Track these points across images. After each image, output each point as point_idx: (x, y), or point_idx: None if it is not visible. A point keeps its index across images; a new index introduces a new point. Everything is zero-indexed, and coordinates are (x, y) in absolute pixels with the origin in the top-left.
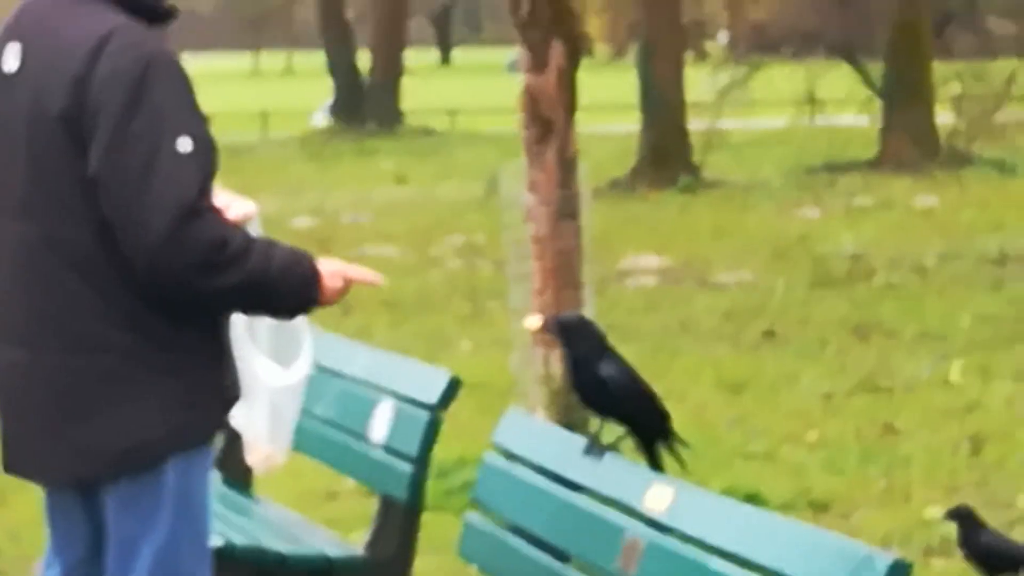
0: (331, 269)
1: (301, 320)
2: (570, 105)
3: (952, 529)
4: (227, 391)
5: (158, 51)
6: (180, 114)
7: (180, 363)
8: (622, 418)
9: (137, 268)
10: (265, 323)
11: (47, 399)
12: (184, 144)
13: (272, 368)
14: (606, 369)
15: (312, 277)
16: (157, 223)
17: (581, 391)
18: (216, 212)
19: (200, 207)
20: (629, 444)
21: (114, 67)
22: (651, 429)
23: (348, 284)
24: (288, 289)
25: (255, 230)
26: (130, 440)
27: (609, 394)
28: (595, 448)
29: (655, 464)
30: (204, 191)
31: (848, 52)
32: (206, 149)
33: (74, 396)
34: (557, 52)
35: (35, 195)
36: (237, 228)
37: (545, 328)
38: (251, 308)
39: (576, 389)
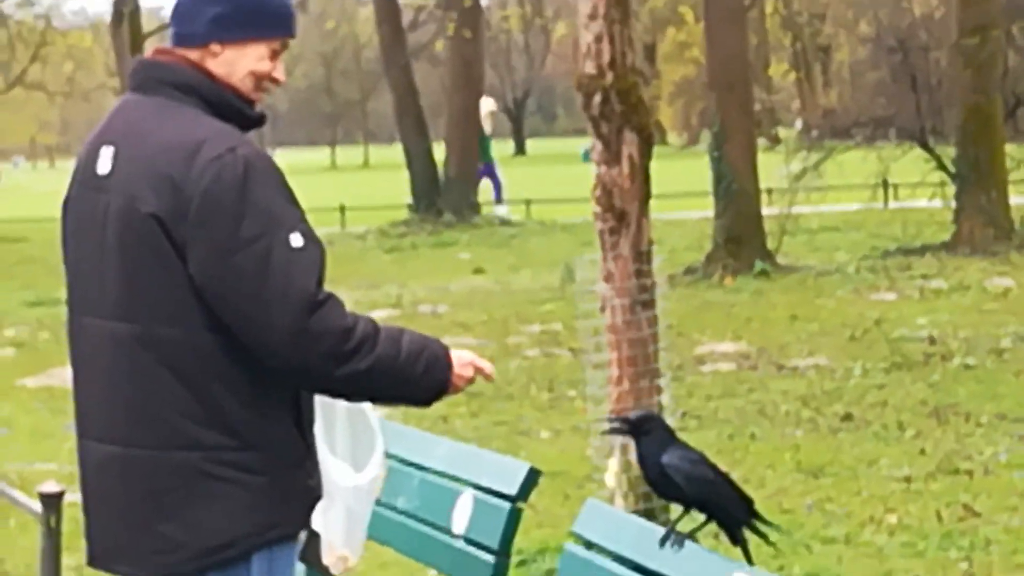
0: (461, 357)
1: (374, 422)
2: (644, 196)
3: None
4: (312, 490)
5: (255, 153)
6: (286, 211)
7: (266, 461)
8: (695, 505)
9: (268, 366)
10: (340, 425)
11: (137, 494)
12: (296, 240)
13: (346, 470)
14: (670, 458)
15: (443, 363)
16: (282, 320)
17: (651, 483)
18: (336, 300)
19: (321, 298)
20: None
21: (216, 173)
22: (728, 514)
23: (476, 373)
24: (419, 374)
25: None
26: (216, 537)
27: (675, 483)
28: (672, 536)
29: (742, 550)
30: (320, 281)
31: (920, 136)
32: (315, 241)
33: (163, 492)
34: (629, 144)
35: (129, 295)
36: (362, 315)
37: (611, 430)
38: (383, 393)
39: (647, 481)
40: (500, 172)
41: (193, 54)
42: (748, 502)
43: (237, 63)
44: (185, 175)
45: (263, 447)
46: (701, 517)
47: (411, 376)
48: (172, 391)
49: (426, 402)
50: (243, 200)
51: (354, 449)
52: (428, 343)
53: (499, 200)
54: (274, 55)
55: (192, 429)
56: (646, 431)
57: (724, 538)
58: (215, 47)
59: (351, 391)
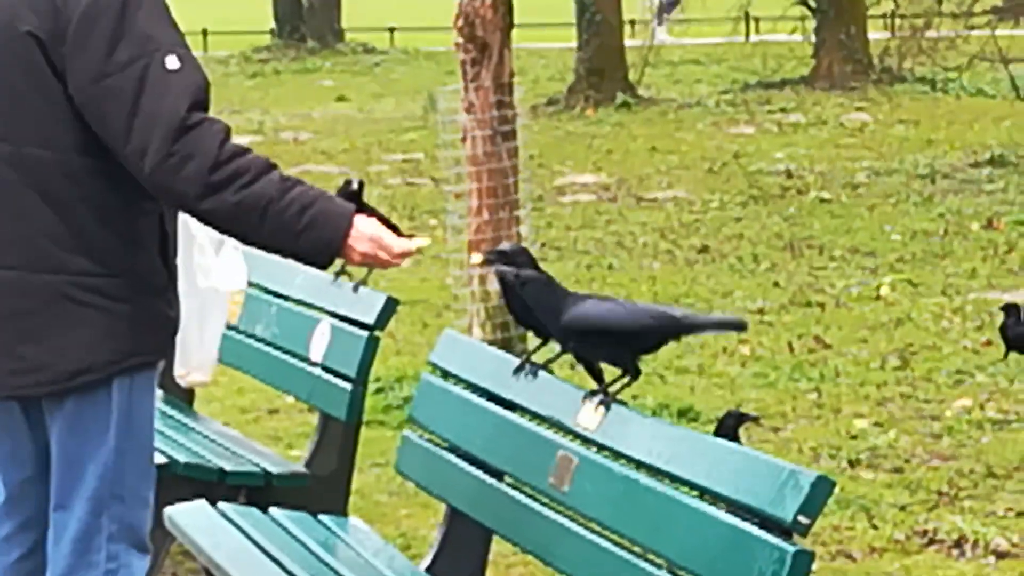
0: (364, 229)
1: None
2: (506, 27)
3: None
4: (173, 320)
5: None
6: (164, 33)
7: (129, 289)
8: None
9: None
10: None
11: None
12: (171, 62)
13: (208, 271)
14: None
15: (336, 224)
16: (150, 141)
17: (514, 313)
18: (213, 127)
19: (191, 121)
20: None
21: None
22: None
23: (382, 252)
24: (300, 227)
25: None
26: (76, 362)
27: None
28: (528, 367)
29: (596, 379)
30: (196, 106)
31: None
32: (194, 65)
33: (25, 314)
34: None
35: (4, 112)
36: (254, 153)
37: (487, 263)
38: (258, 236)
39: (511, 312)
40: None
41: None
42: None
43: None
44: None
45: (127, 274)
46: (557, 348)
47: (289, 226)
48: (39, 214)
49: (313, 261)
50: (121, 21)
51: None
52: (324, 202)
53: (660, 21)
54: None
55: (57, 253)
56: (519, 264)
57: (580, 369)
58: None
59: (221, 225)
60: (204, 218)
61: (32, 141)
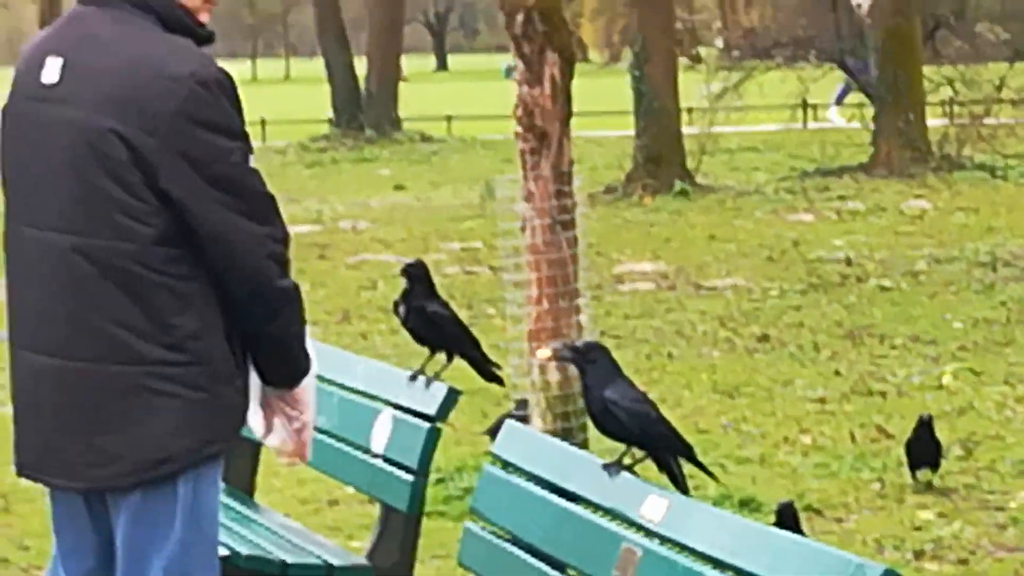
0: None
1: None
2: (565, 116)
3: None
4: (241, 405)
5: (221, 71)
6: (243, 127)
7: (205, 377)
8: (635, 442)
9: (228, 276)
10: None
11: (75, 406)
12: (252, 160)
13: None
14: (612, 393)
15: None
16: (262, 221)
17: (591, 414)
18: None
19: (276, 208)
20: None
21: (189, 91)
22: (665, 452)
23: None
24: (297, 345)
25: None
26: (155, 451)
27: (614, 417)
28: (613, 467)
29: (678, 485)
30: None
31: (839, 57)
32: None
33: (102, 405)
34: (551, 64)
35: (77, 206)
36: None
37: (556, 357)
38: (283, 336)
39: (589, 414)
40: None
41: None
42: (687, 446)
43: None
44: (151, 91)
45: (202, 363)
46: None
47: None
48: (116, 304)
49: (276, 382)
50: (216, 117)
51: None
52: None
53: (839, 101)
54: None
55: (134, 343)
56: (591, 360)
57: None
58: None
59: (275, 312)
60: (271, 301)
61: (110, 234)
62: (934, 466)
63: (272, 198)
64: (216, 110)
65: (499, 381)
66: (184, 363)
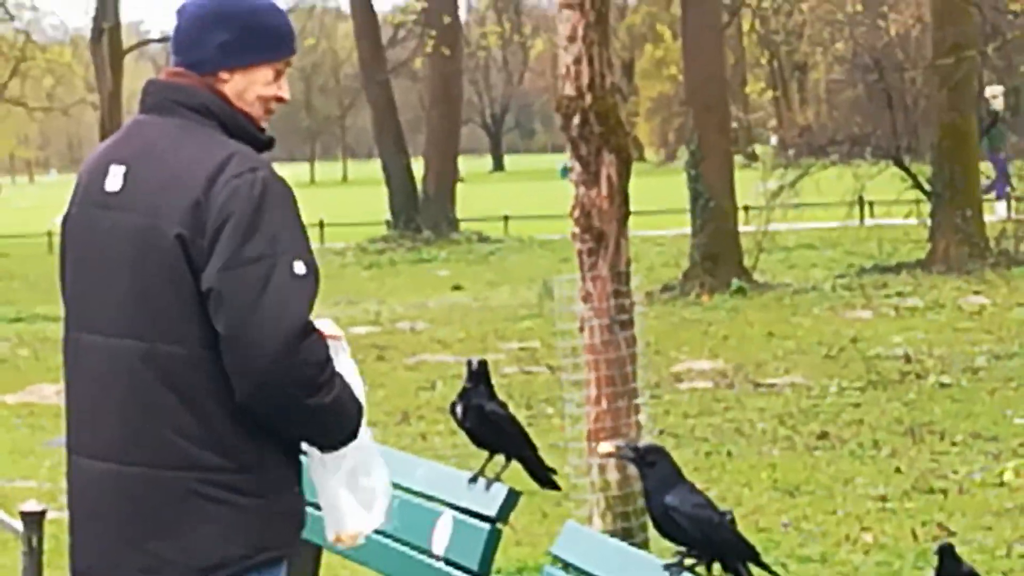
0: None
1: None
2: (622, 217)
3: None
4: (300, 513)
5: (273, 177)
6: (295, 238)
7: (259, 484)
8: (696, 546)
9: (243, 385)
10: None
11: (129, 512)
12: (299, 267)
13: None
14: (673, 499)
15: (361, 414)
16: (271, 343)
17: (653, 519)
18: (320, 333)
19: (310, 328)
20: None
21: (234, 190)
22: (729, 556)
23: None
24: (350, 419)
25: (344, 353)
26: (207, 558)
27: (676, 523)
28: (674, 568)
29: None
30: (310, 311)
31: (896, 154)
32: (315, 273)
33: (155, 510)
34: (608, 165)
35: (136, 312)
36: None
37: (616, 454)
38: (324, 430)
39: (651, 517)
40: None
41: (205, 79)
42: (751, 549)
43: (247, 89)
44: (208, 193)
45: (257, 469)
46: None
47: (346, 416)
48: (171, 410)
49: (340, 445)
50: (256, 219)
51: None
52: (353, 393)
53: (1000, 195)
54: (278, 75)
55: (189, 449)
56: (650, 463)
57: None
58: (224, 74)
59: (311, 423)
60: (298, 418)
61: (166, 338)
62: None
63: (304, 318)
64: (257, 212)
65: (555, 486)
66: (235, 470)
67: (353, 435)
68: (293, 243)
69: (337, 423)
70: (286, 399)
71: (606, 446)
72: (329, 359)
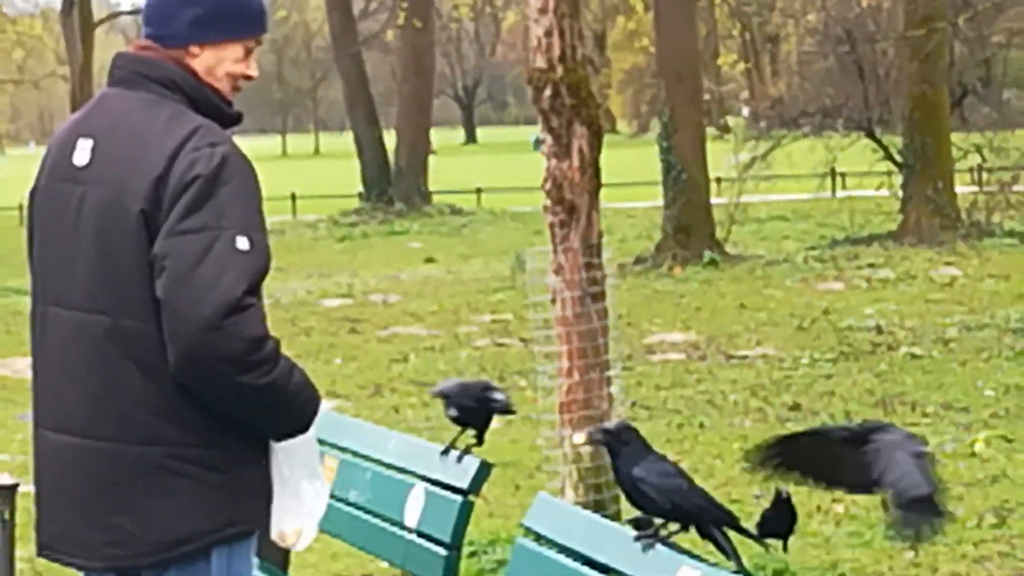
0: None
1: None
2: (594, 189)
3: None
4: (268, 488)
5: (234, 152)
6: (245, 214)
7: (226, 459)
8: (669, 517)
9: (172, 354)
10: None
11: (94, 486)
12: (242, 243)
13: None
14: (640, 470)
15: (316, 406)
16: (199, 312)
17: (626, 494)
18: (259, 311)
19: (245, 303)
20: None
21: (191, 163)
22: (703, 522)
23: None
24: (296, 409)
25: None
26: (174, 532)
27: (645, 494)
28: (645, 539)
29: (726, 553)
30: (251, 290)
31: (867, 126)
32: (261, 252)
33: (121, 485)
34: (580, 137)
35: (101, 286)
36: (271, 335)
37: (590, 441)
38: (263, 416)
39: (622, 490)
40: None
41: (174, 53)
42: (728, 514)
43: (217, 65)
44: (170, 168)
45: (222, 444)
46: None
47: (291, 406)
48: (136, 385)
49: (283, 436)
50: (207, 190)
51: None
52: (310, 383)
53: None
54: (248, 53)
55: (154, 424)
56: (625, 441)
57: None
58: (194, 49)
59: (239, 403)
60: (228, 396)
61: (130, 313)
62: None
63: (236, 293)
64: (208, 185)
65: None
66: (200, 444)
67: (303, 428)
68: (241, 218)
69: (277, 409)
70: (213, 374)
71: (579, 436)
72: (266, 339)
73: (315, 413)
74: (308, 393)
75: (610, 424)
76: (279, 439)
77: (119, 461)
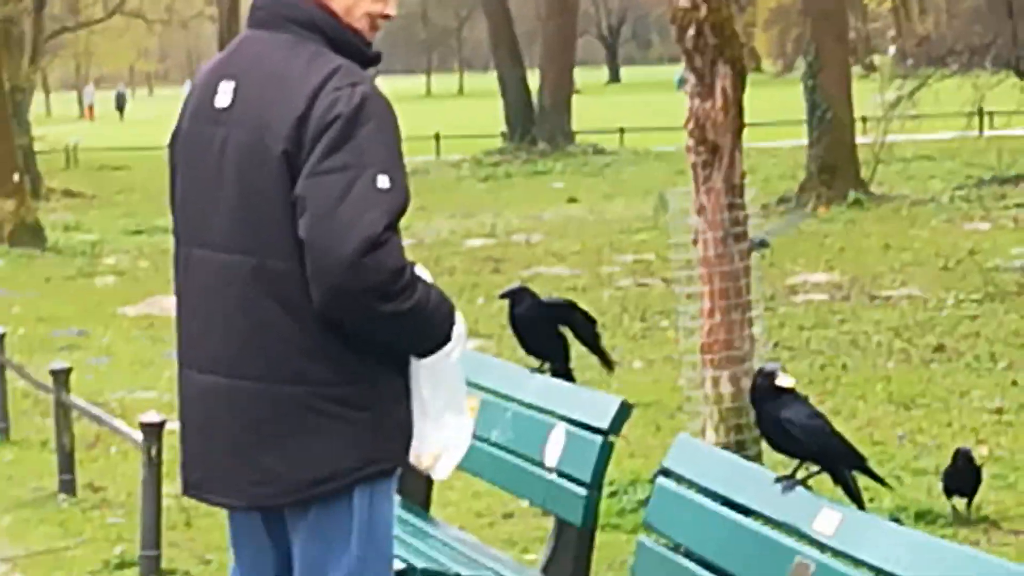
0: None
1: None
2: (737, 129)
3: None
4: (409, 425)
5: (373, 92)
6: (385, 153)
7: (370, 397)
8: (810, 458)
9: (316, 291)
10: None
11: (241, 426)
12: (383, 181)
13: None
14: (787, 412)
15: (453, 319)
16: (341, 249)
17: (766, 436)
18: (398, 243)
19: (384, 239)
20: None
21: (332, 103)
22: (839, 466)
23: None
24: (436, 325)
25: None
26: (319, 470)
27: (791, 436)
28: (786, 481)
29: (854, 498)
30: (390, 226)
31: (1016, 64)
32: (401, 191)
33: (268, 424)
34: (723, 77)
35: (245, 227)
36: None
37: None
38: (408, 337)
39: (763, 434)
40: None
41: None
42: (861, 458)
43: (356, 5)
44: (311, 108)
45: (366, 382)
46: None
47: (432, 324)
48: (282, 324)
49: (428, 353)
50: (347, 131)
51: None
52: (444, 297)
53: None
54: None
55: (300, 363)
56: (759, 385)
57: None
58: None
59: (386, 330)
60: (375, 326)
61: (273, 254)
62: (971, 495)
63: (377, 229)
64: (350, 125)
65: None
66: (347, 383)
67: (445, 339)
68: (382, 157)
69: (421, 329)
70: (359, 306)
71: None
72: (404, 267)
73: (452, 325)
74: (445, 308)
75: (766, 365)
76: (423, 356)
77: (266, 400)
